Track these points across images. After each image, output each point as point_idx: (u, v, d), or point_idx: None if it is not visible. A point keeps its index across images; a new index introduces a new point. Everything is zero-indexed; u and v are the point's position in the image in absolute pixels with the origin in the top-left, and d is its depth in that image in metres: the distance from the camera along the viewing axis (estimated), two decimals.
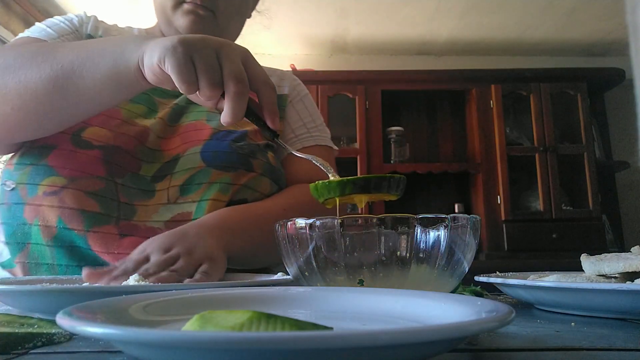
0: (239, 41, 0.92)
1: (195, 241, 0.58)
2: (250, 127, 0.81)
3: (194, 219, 0.69)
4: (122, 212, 0.69)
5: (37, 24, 0.83)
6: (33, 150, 0.71)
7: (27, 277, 0.64)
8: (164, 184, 0.72)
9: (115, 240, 0.67)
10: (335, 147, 0.96)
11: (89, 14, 0.87)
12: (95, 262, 0.67)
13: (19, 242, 0.70)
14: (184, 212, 0.71)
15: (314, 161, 0.58)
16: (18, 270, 0.70)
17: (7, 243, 0.71)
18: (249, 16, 0.93)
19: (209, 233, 0.61)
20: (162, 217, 0.70)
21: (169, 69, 0.54)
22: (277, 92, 0.89)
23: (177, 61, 0.53)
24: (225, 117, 0.55)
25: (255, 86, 0.58)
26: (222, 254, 0.60)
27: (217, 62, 0.55)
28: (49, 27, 0.81)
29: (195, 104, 0.81)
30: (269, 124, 0.59)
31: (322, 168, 0.57)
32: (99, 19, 0.88)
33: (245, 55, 0.58)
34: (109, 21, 0.90)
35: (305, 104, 0.94)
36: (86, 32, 0.84)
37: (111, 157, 0.71)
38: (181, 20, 0.79)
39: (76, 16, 0.85)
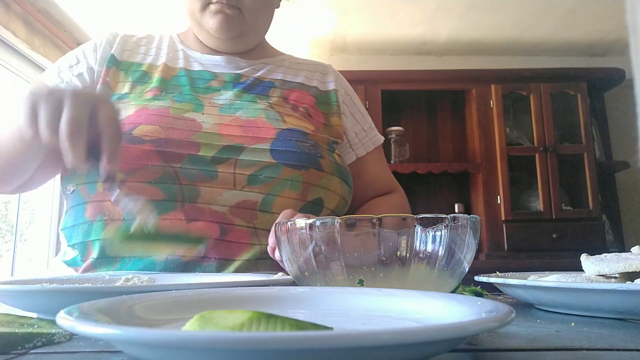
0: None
1: None
2: (307, 125, 0.83)
3: (259, 210, 0.72)
4: (186, 195, 0.71)
5: (50, 67, 0.88)
6: None
7: (27, 277, 0.64)
8: (228, 168, 0.73)
9: (183, 226, 0.70)
10: (382, 138, 0.99)
11: (115, 33, 0.91)
12: (160, 251, 0.69)
13: (81, 242, 0.73)
14: (250, 201, 0.72)
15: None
16: (82, 267, 0.73)
17: (71, 246, 0.75)
18: (278, 6, 0.94)
19: None
20: (226, 201, 0.72)
21: (19, 118, 0.59)
22: (322, 88, 0.93)
23: (23, 110, 0.58)
24: (65, 160, 0.58)
25: (99, 130, 0.60)
26: None
27: (58, 109, 0.57)
28: (59, 70, 0.85)
29: (245, 101, 0.83)
30: (103, 165, 0.59)
31: None
32: (127, 33, 0.92)
33: (98, 102, 0.60)
34: (118, 24, 0.92)
35: (356, 103, 0.97)
36: (107, 53, 0.86)
37: (164, 147, 0.72)
38: (210, 22, 0.81)
39: (93, 42, 0.88)
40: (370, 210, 0.90)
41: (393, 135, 2.66)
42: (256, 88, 0.86)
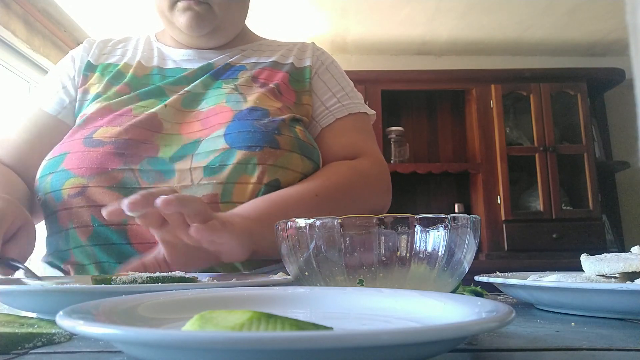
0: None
1: (225, 215, 0.60)
2: (273, 104, 0.78)
3: (221, 202, 0.68)
4: None
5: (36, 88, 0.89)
6: (50, 160, 0.72)
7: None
8: (184, 164, 0.70)
9: (150, 233, 0.65)
10: (372, 111, 0.90)
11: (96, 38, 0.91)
12: (132, 256, 0.67)
13: (62, 250, 0.72)
14: (210, 194, 0.69)
15: None
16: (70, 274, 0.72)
17: (51, 254, 0.74)
18: None
19: (239, 219, 0.61)
20: None
21: None
22: (298, 65, 0.88)
23: None
24: None
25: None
26: (245, 235, 0.59)
27: None
28: (45, 91, 0.85)
29: (211, 89, 0.81)
30: None
31: None
32: (106, 36, 0.91)
33: None
34: (114, 24, 0.92)
35: (332, 72, 0.89)
36: (85, 61, 0.86)
37: (124, 149, 0.70)
38: (180, 20, 0.79)
39: (70, 54, 0.89)
40: (316, 175, 0.76)
41: (393, 135, 2.66)
42: (225, 73, 0.83)
